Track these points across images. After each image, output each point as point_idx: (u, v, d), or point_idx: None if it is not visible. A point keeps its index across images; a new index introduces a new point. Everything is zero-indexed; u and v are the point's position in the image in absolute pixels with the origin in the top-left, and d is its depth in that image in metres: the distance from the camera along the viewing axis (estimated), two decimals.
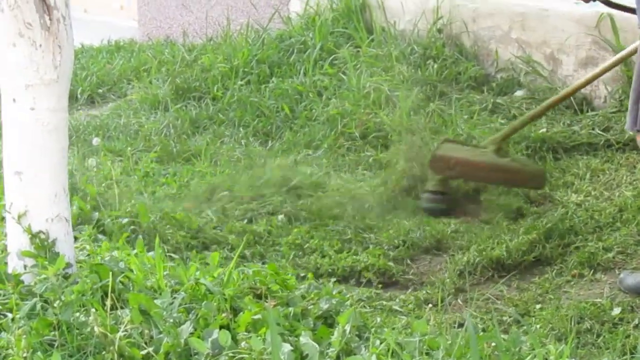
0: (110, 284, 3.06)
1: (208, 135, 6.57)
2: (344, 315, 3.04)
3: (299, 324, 3.10)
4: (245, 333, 2.95)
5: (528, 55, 6.55)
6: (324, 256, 4.77)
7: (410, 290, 4.54)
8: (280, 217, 5.18)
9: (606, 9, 5.54)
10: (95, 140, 6.42)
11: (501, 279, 4.53)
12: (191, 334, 2.93)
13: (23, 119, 3.25)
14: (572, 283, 4.46)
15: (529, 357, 2.93)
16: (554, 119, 6.03)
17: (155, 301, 3.06)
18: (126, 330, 2.89)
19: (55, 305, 3.00)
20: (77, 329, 2.90)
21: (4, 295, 3.16)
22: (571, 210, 5.04)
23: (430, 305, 4.22)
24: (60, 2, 3.23)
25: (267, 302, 3.19)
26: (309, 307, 3.22)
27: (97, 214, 4.48)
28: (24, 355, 2.81)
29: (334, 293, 3.43)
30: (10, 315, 3.02)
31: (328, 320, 3.19)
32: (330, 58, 7.16)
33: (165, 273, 3.36)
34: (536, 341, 2.96)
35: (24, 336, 2.84)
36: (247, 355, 2.81)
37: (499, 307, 4.27)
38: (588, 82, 5.43)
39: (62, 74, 3.26)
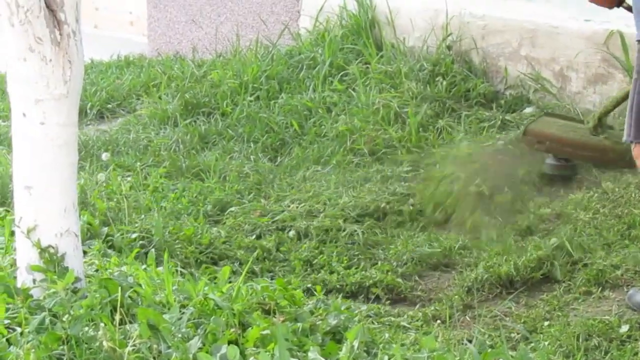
0: (119, 298, 3.07)
1: (217, 150, 6.56)
2: (352, 331, 3.05)
3: (307, 339, 3.10)
4: (254, 348, 2.95)
5: (537, 72, 6.54)
6: (332, 272, 4.78)
7: (418, 306, 4.54)
8: (291, 232, 5.19)
9: (616, 26, 5.51)
10: (105, 155, 6.42)
11: (509, 295, 4.52)
12: (200, 349, 2.93)
13: (33, 134, 3.26)
14: (580, 300, 4.45)
15: None
16: None
17: (164, 316, 3.07)
18: (135, 345, 2.90)
19: (64, 319, 3.00)
20: (86, 343, 2.91)
21: (13, 310, 3.16)
22: (580, 227, 5.03)
23: (438, 321, 4.22)
24: (71, 17, 3.24)
25: (275, 317, 3.19)
26: (318, 323, 3.23)
27: (106, 228, 4.50)
28: None
29: (342, 309, 3.44)
30: (19, 330, 3.02)
31: (336, 335, 3.19)
32: (340, 74, 7.16)
33: (174, 288, 3.36)
34: (544, 358, 2.96)
35: (33, 350, 2.84)
36: None
37: (507, 323, 4.27)
38: None
39: (72, 88, 3.27)
